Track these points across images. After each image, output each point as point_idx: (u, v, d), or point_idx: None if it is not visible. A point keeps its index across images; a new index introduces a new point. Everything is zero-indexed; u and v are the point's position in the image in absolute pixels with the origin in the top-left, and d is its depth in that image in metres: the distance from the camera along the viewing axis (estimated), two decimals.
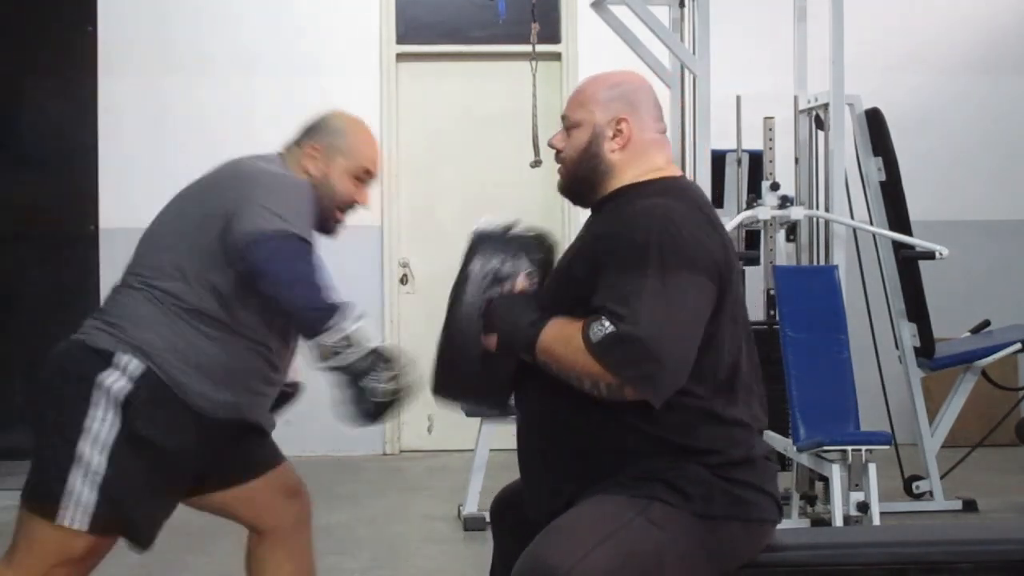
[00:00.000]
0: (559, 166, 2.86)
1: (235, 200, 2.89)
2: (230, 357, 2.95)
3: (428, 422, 7.67)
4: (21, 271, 7.52)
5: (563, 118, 2.85)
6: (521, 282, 2.77)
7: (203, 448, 2.97)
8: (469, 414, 5.60)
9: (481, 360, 2.74)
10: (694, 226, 2.67)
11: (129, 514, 2.90)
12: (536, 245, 2.86)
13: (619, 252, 2.61)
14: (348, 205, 3.14)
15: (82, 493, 2.82)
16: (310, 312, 2.81)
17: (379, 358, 2.80)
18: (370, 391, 2.80)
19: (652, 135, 2.81)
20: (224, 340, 2.94)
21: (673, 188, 2.77)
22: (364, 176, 3.14)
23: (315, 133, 3.14)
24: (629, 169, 2.78)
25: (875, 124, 6.04)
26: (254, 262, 2.82)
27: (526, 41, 5.66)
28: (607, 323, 2.53)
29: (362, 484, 6.80)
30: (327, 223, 3.12)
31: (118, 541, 3.01)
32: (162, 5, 7.62)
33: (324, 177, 3.09)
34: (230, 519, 3.23)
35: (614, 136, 2.78)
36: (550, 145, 2.87)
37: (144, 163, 7.38)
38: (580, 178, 2.81)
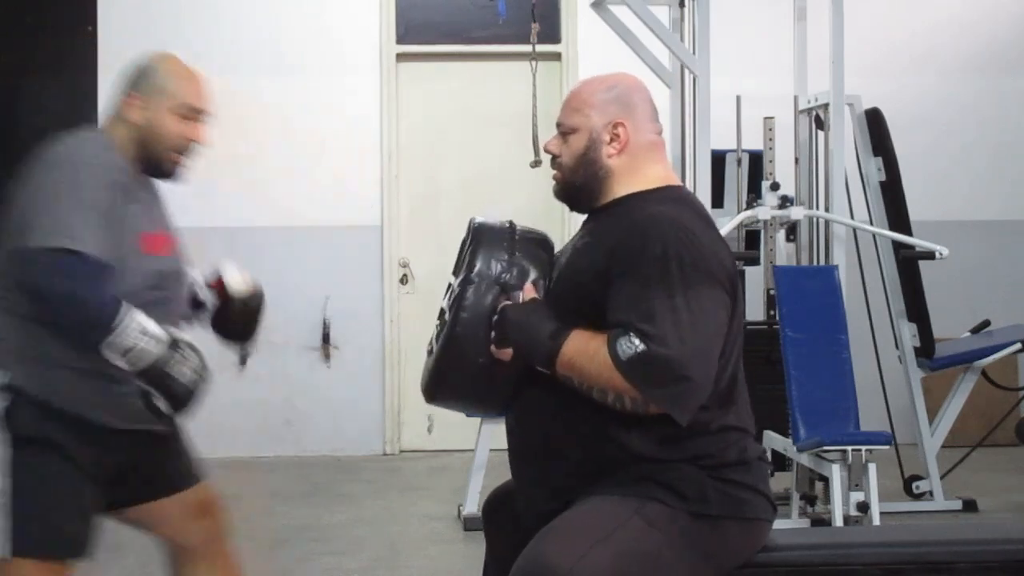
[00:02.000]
0: (555, 171, 2.83)
1: (24, 208, 2.84)
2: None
3: (428, 422, 7.67)
4: None
5: (558, 124, 2.82)
6: (530, 290, 2.74)
7: (97, 445, 2.92)
8: (469, 415, 5.60)
9: (486, 367, 2.71)
10: (706, 236, 2.67)
11: (47, 530, 2.87)
12: (538, 248, 2.83)
13: (638, 265, 2.58)
14: (182, 146, 3.02)
15: None
16: (82, 329, 2.78)
17: (175, 347, 2.82)
18: (177, 379, 2.80)
19: (649, 137, 2.80)
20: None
21: (675, 196, 2.76)
22: (190, 113, 3.01)
23: (131, 81, 3.03)
24: (628, 174, 2.77)
25: (875, 124, 6.04)
26: (24, 282, 2.79)
27: (526, 41, 5.65)
28: (636, 341, 2.52)
29: (362, 484, 6.80)
30: (163, 167, 3.02)
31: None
32: (162, 5, 7.63)
33: (148, 124, 2.98)
34: (151, 534, 3.21)
35: (611, 140, 2.76)
36: (546, 150, 2.84)
37: None
38: (578, 184, 2.79)
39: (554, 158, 2.83)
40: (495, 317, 2.70)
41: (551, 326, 2.66)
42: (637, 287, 2.57)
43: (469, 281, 2.74)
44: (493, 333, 2.69)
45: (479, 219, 2.86)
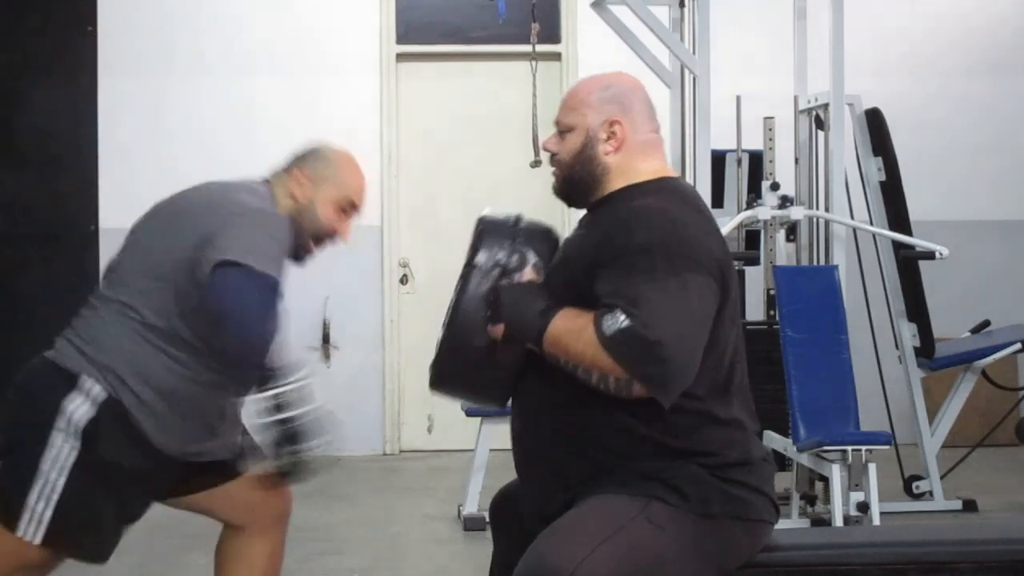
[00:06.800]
0: (553, 169, 2.86)
1: (209, 230, 2.89)
2: (196, 392, 2.98)
3: (428, 422, 7.67)
4: (21, 271, 7.51)
5: (556, 123, 2.85)
6: (529, 273, 2.77)
7: (165, 470, 3.02)
8: (469, 413, 5.60)
9: (485, 351, 2.73)
10: (693, 224, 2.68)
11: (79, 534, 2.96)
12: (542, 238, 2.85)
13: (624, 254, 2.60)
14: (327, 236, 3.13)
15: (37, 509, 2.90)
16: (247, 353, 2.86)
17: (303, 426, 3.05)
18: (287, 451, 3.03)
19: (646, 135, 2.82)
20: (192, 376, 2.97)
21: (665, 187, 2.78)
22: (349, 208, 3.13)
23: (305, 160, 3.14)
24: (625, 171, 2.79)
25: (875, 124, 6.04)
26: (215, 291, 2.84)
27: (526, 41, 5.66)
28: (621, 316, 2.53)
29: (362, 484, 6.80)
30: (300, 251, 3.11)
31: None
32: (162, 5, 7.63)
33: (309, 203, 3.09)
34: (206, 516, 3.26)
35: (608, 138, 2.79)
36: (544, 148, 2.88)
37: (144, 163, 7.37)
38: (575, 181, 2.82)
39: (553, 156, 2.85)
40: (490, 295, 2.73)
41: (542, 304, 2.68)
42: (623, 274, 2.59)
43: (472, 266, 2.77)
44: (488, 311, 2.71)
45: (486, 212, 2.90)
